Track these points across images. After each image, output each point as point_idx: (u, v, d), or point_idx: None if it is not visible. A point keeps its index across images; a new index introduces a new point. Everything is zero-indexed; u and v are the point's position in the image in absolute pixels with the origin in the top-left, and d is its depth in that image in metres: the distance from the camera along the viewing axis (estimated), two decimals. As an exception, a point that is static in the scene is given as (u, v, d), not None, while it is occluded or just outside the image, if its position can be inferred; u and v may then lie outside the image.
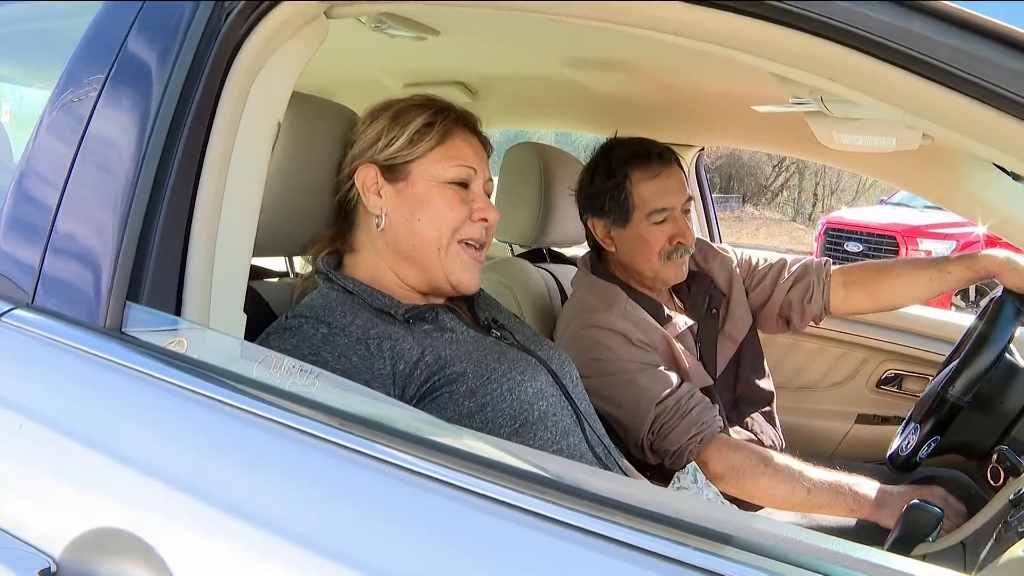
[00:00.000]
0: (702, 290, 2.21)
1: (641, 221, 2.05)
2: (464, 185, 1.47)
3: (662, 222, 2.04)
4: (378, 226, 1.47)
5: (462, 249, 1.46)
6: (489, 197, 1.53)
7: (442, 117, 1.48)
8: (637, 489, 0.88)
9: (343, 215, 1.53)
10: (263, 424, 0.95)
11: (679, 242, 2.04)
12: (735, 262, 2.29)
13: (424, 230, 1.44)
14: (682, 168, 2.12)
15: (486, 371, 1.36)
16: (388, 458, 0.89)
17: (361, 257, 1.50)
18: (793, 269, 2.25)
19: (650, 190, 2.04)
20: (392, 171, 1.46)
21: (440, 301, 1.53)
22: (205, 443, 0.99)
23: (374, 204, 1.47)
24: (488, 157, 1.56)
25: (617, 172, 2.08)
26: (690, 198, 2.07)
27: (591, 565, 0.79)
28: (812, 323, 2.27)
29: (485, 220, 1.48)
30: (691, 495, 1.57)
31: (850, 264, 2.28)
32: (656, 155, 2.06)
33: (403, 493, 0.87)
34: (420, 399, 1.32)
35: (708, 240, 2.44)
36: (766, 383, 2.23)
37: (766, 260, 2.33)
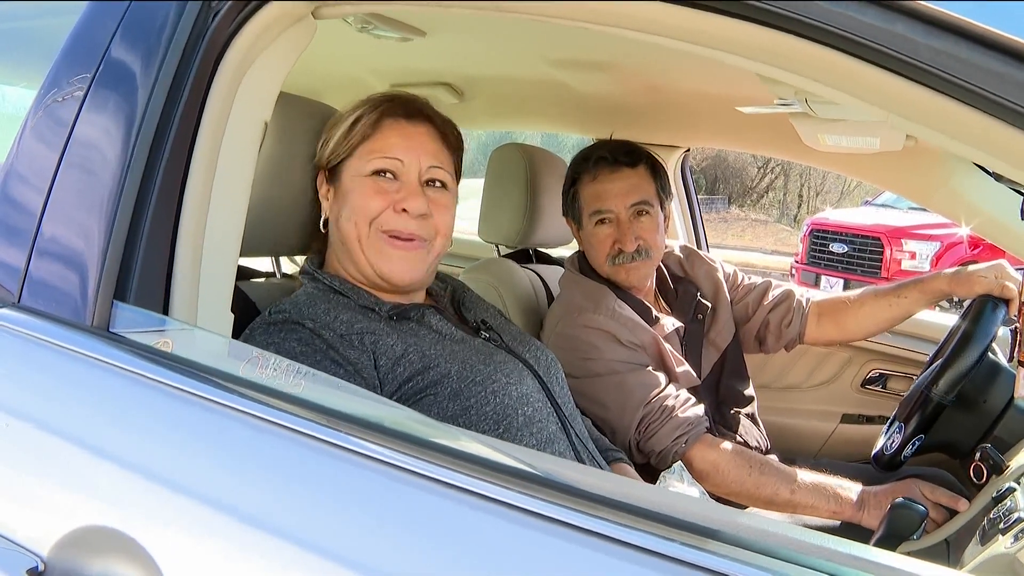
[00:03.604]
0: (688, 295, 2.23)
1: (587, 222, 2.11)
2: (395, 176, 1.44)
3: (602, 223, 2.08)
4: (323, 227, 1.49)
5: (384, 239, 1.42)
6: (443, 186, 1.49)
7: (371, 110, 1.46)
8: (624, 485, 0.89)
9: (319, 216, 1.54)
10: (251, 422, 0.95)
11: (619, 248, 2.05)
12: (721, 272, 2.31)
13: (346, 225, 1.43)
14: (653, 170, 2.13)
15: (471, 373, 1.36)
16: (376, 455, 0.89)
17: (330, 256, 1.51)
18: (776, 292, 2.29)
19: (589, 192, 2.11)
20: (332, 173, 1.48)
21: (421, 300, 1.53)
22: (193, 441, 0.99)
23: (324, 208, 1.49)
24: (446, 141, 1.52)
25: (572, 174, 2.17)
26: (642, 202, 2.07)
27: (578, 561, 0.79)
28: (784, 348, 2.31)
29: (406, 211, 1.42)
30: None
31: (825, 297, 2.33)
32: (598, 159, 2.10)
33: (391, 490, 0.88)
34: (403, 401, 1.31)
35: (695, 247, 2.45)
36: (747, 389, 2.26)
37: (750, 278, 2.36)
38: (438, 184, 1.48)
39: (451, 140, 1.54)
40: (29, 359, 1.12)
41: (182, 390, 1.00)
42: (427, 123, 1.50)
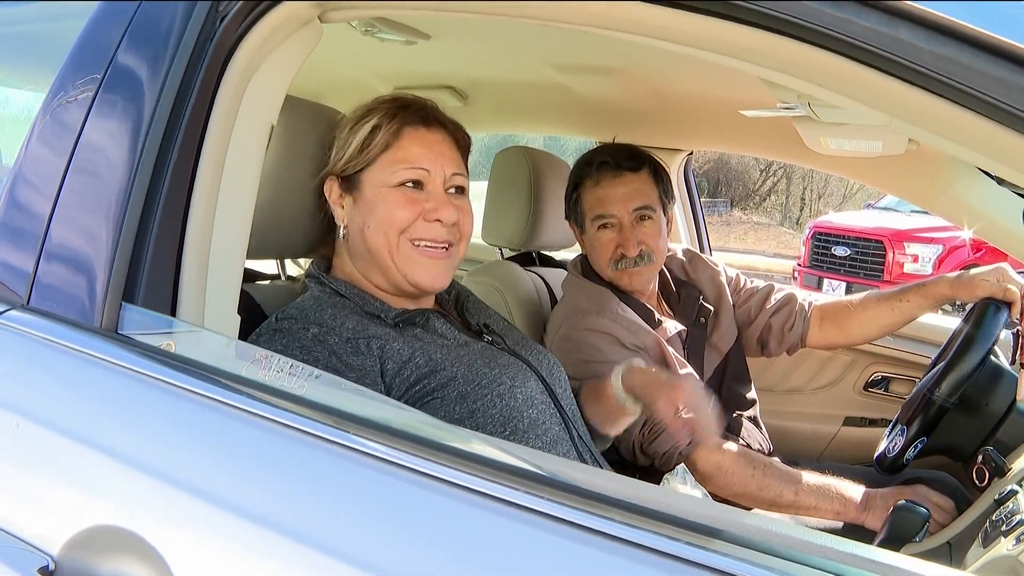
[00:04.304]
0: (691, 299, 2.23)
1: (589, 227, 2.12)
2: (419, 185, 1.44)
3: (605, 227, 2.09)
4: (343, 236, 1.48)
5: (414, 249, 1.43)
6: (462, 191, 1.50)
7: (389, 119, 1.45)
8: (630, 486, 0.89)
9: (326, 221, 1.54)
10: (259, 423, 0.96)
11: (622, 252, 2.06)
12: (723, 276, 2.32)
13: (374, 236, 1.42)
14: (656, 175, 2.13)
15: (476, 376, 1.36)
16: (383, 456, 0.90)
17: (340, 261, 1.51)
18: (778, 296, 2.29)
19: (591, 198, 2.12)
20: (348, 182, 1.46)
21: (429, 305, 1.53)
22: (203, 442, 1.00)
23: (339, 216, 1.48)
24: (459, 145, 1.52)
25: (575, 179, 2.18)
26: (645, 207, 2.08)
27: (584, 560, 0.80)
28: (786, 352, 2.32)
29: (439, 220, 1.44)
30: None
31: (828, 301, 2.33)
32: (601, 164, 2.11)
33: (398, 490, 0.88)
34: (410, 404, 1.31)
35: (698, 251, 2.46)
36: (749, 393, 2.26)
37: (752, 282, 2.37)
38: (459, 190, 1.49)
39: (463, 144, 1.54)
40: (39, 360, 1.13)
41: (191, 391, 1.01)
42: (443, 129, 1.50)
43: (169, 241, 1.14)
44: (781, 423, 2.66)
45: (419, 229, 1.43)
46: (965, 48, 0.84)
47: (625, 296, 2.08)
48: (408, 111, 1.47)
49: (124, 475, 0.99)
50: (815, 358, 2.75)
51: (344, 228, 1.48)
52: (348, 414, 0.98)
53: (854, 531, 1.78)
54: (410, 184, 1.43)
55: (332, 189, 1.48)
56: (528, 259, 2.57)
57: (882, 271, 9.28)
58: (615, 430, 1.65)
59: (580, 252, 2.27)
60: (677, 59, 1.57)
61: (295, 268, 1.83)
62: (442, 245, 1.45)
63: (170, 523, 0.94)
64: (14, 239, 1.21)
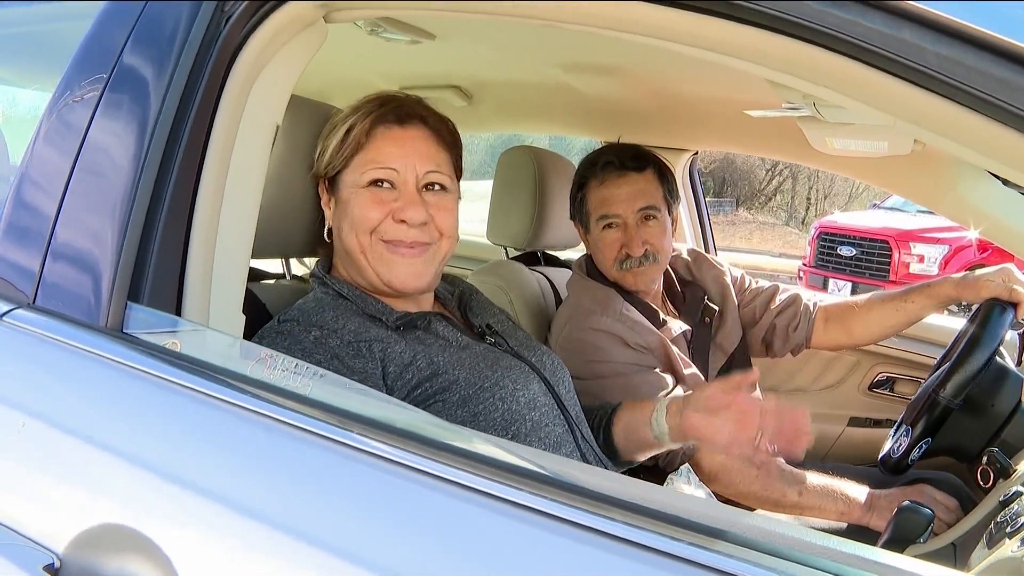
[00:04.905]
0: (696, 299, 2.23)
1: (594, 227, 2.12)
2: (391, 184, 1.43)
3: (610, 227, 2.09)
4: (326, 236, 1.50)
5: (385, 248, 1.41)
6: (442, 189, 1.47)
7: (363, 118, 1.43)
8: (632, 486, 0.89)
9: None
10: (264, 422, 0.96)
11: (627, 252, 2.06)
12: (728, 276, 2.32)
13: (348, 237, 1.42)
14: (661, 175, 2.13)
15: (479, 379, 1.36)
16: (388, 455, 0.90)
17: (338, 261, 1.51)
18: (783, 297, 2.29)
19: (596, 197, 2.11)
20: (331, 184, 1.47)
21: (429, 306, 1.53)
22: (206, 441, 1.00)
23: (327, 217, 1.49)
24: (443, 141, 1.50)
25: (580, 178, 2.17)
26: (650, 207, 2.08)
27: (587, 560, 0.80)
28: (791, 353, 2.31)
29: (405, 221, 1.41)
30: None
31: (833, 301, 2.33)
32: (605, 164, 2.11)
33: (403, 489, 0.88)
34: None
35: (703, 251, 2.45)
36: (754, 393, 2.25)
37: (757, 282, 2.37)
38: (437, 188, 1.47)
39: (447, 139, 1.51)
40: (44, 359, 1.13)
41: (196, 390, 1.01)
42: (421, 125, 1.47)
43: (174, 240, 1.14)
44: (786, 423, 2.65)
45: (387, 230, 1.41)
46: (969, 49, 0.84)
47: (630, 296, 2.08)
48: (384, 109, 1.45)
49: (129, 474, 0.99)
50: (820, 358, 2.75)
51: (328, 228, 1.49)
52: (352, 413, 0.98)
53: (858, 532, 1.78)
54: (380, 184, 1.42)
55: (322, 191, 1.49)
56: (533, 259, 2.58)
57: (888, 271, 9.26)
58: (641, 458, 1.65)
59: (585, 252, 2.27)
60: (682, 59, 1.57)
61: (301, 268, 1.84)
62: (412, 246, 1.43)
63: (174, 522, 0.95)
64: (20, 238, 1.21)
